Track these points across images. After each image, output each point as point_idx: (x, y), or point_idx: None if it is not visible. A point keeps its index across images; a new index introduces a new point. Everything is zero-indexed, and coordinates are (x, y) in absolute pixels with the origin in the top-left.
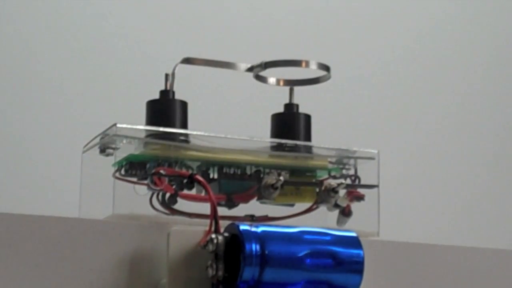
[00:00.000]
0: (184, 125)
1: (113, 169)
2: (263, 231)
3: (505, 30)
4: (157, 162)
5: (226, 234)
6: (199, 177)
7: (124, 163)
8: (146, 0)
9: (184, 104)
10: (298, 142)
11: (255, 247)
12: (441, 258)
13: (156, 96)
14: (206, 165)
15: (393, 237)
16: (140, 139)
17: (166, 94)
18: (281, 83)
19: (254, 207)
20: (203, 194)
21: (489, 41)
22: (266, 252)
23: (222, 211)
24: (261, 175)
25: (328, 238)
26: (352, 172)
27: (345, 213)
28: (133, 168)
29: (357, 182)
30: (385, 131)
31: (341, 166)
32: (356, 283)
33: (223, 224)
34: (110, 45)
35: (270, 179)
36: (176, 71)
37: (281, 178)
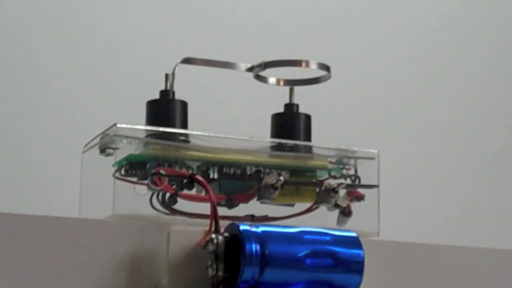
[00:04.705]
0: (184, 125)
1: (113, 169)
2: (263, 231)
3: (506, 30)
4: (157, 162)
5: (226, 234)
6: (199, 177)
7: (124, 163)
8: (146, 0)
9: (184, 104)
10: (298, 142)
11: (255, 247)
12: (441, 258)
13: (156, 96)
14: (206, 165)
15: (393, 237)
16: (140, 139)
17: (166, 94)
18: (281, 83)
19: (254, 207)
20: (203, 194)
21: (489, 42)
22: (266, 252)
23: (222, 211)
24: (261, 175)
25: (328, 238)
26: (352, 172)
27: (345, 213)
28: (133, 168)
29: (357, 182)
30: (385, 131)
31: (341, 166)
32: (356, 283)
33: (223, 224)
34: (110, 45)
35: (270, 179)
36: (176, 71)
37: (281, 178)
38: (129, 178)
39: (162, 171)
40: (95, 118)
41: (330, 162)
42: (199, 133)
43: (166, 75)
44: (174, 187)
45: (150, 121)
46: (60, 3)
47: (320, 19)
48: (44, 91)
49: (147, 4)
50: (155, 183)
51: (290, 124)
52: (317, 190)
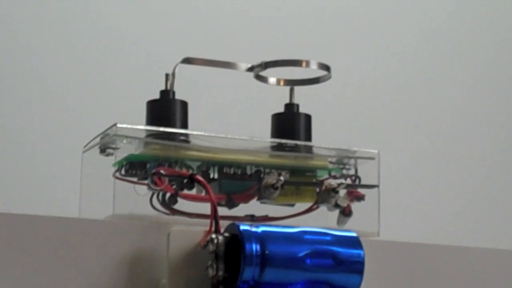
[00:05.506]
0: (184, 125)
1: (113, 169)
2: (263, 231)
3: (506, 30)
4: (157, 162)
5: (226, 234)
6: (200, 177)
7: (124, 163)
8: (147, 0)
9: (184, 104)
10: (298, 142)
11: (255, 247)
12: (441, 258)
13: (156, 96)
14: (206, 165)
15: (393, 237)
16: (140, 139)
17: (166, 94)
18: (281, 83)
19: (254, 207)
20: (203, 194)
21: (489, 42)
22: (266, 252)
23: (222, 211)
24: (261, 175)
25: (328, 238)
26: (352, 172)
27: (345, 213)
28: (133, 168)
29: (357, 182)
30: (385, 131)
31: (341, 166)
32: (356, 283)
33: (223, 224)
34: (110, 45)
35: (270, 179)
36: (176, 71)
37: (281, 178)
38: (129, 178)
39: (162, 171)
40: (95, 118)
41: (330, 162)
42: (199, 133)
43: (166, 75)
44: (174, 187)
45: (150, 121)
46: (60, 3)
47: (320, 19)
48: (44, 91)
49: (147, 4)
50: (155, 183)
51: (290, 124)
52: (317, 190)
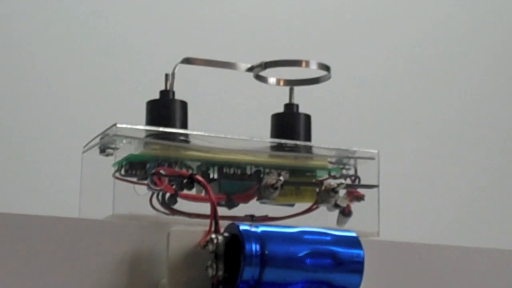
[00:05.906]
0: (184, 125)
1: (113, 169)
2: (263, 231)
3: (505, 30)
4: (157, 162)
5: (226, 234)
6: (199, 177)
7: (124, 163)
8: (147, 0)
9: (184, 104)
10: (298, 142)
11: (255, 247)
12: (441, 258)
13: (156, 96)
14: (206, 165)
15: (393, 237)
16: (140, 139)
17: (166, 94)
18: (281, 83)
19: (254, 207)
20: (203, 194)
21: (489, 42)
22: (266, 252)
23: (222, 211)
24: (261, 175)
25: (328, 238)
26: (352, 172)
27: (345, 213)
28: (133, 168)
29: (357, 182)
30: (385, 131)
31: (341, 166)
32: (356, 283)
33: (223, 224)
34: (110, 45)
35: (270, 179)
36: (176, 71)
37: (281, 178)
38: (129, 178)
39: (162, 171)
40: (95, 118)
41: (330, 162)
42: (199, 133)
43: (166, 75)
44: (174, 187)
45: (150, 121)
46: (60, 3)
47: (320, 19)
48: (44, 91)
49: (147, 4)
50: (155, 183)
51: (290, 124)
52: (317, 190)
